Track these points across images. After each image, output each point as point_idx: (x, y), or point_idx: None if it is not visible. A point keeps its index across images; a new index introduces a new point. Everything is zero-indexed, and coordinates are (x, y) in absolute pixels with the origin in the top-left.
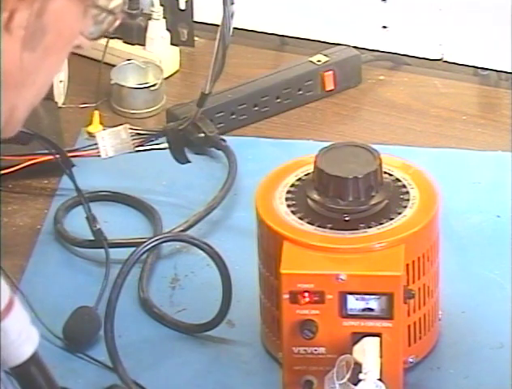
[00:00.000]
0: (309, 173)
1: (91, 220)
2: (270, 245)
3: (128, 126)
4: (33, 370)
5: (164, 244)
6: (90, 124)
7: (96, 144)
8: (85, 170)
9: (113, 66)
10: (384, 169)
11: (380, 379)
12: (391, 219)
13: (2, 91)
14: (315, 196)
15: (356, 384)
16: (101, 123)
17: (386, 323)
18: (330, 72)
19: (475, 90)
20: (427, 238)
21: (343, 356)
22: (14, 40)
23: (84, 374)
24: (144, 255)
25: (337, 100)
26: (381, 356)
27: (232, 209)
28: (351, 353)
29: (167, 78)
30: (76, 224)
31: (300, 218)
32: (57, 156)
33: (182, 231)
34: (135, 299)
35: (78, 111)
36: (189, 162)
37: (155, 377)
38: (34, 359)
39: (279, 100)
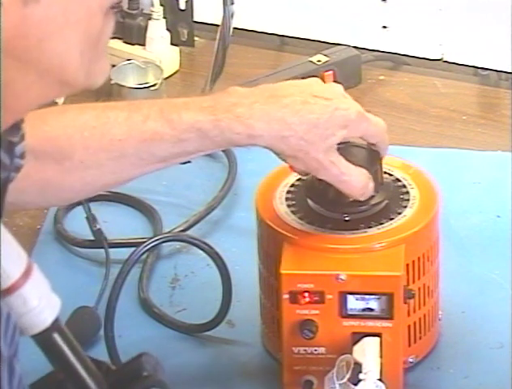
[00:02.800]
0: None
1: (91, 220)
2: (270, 245)
3: None
4: (56, 338)
5: (164, 244)
6: None
7: None
8: None
9: (113, 66)
10: (384, 169)
11: (380, 379)
12: (391, 219)
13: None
14: (315, 196)
15: (356, 384)
16: None
17: (386, 323)
18: (330, 72)
19: (475, 90)
20: (427, 238)
21: (343, 356)
22: (9, 5)
23: None
24: (144, 255)
25: None
26: (381, 356)
27: (232, 209)
28: (351, 353)
29: (167, 78)
30: (76, 224)
31: (300, 218)
32: None
33: (182, 231)
34: (135, 299)
35: None
36: (189, 162)
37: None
38: (56, 326)
39: None
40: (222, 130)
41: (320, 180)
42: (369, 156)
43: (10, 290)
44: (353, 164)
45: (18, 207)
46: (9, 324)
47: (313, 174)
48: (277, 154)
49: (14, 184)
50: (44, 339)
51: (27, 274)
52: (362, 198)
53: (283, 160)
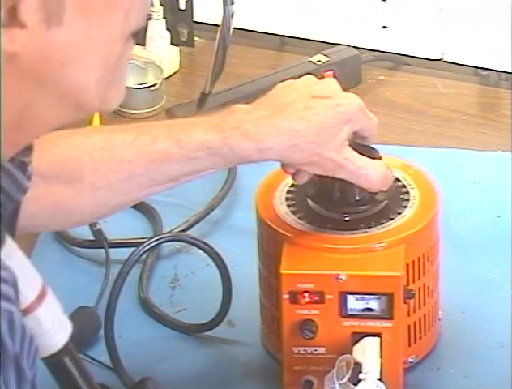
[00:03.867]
0: None
1: None
2: (270, 245)
3: None
4: (67, 361)
5: (164, 244)
6: (90, 124)
7: None
8: None
9: None
10: None
11: (380, 379)
12: (391, 219)
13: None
14: (315, 196)
15: (356, 384)
16: (101, 123)
17: (386, 323)
18: (330, 72)
19: (475, 90)
20: (427, 238)
21: (343, 356)
22: (33, 28)
23: None
24: (144, 255)
25: None
26: (381, 356)
27: (232, 209)
28: (351, 353)
29: (167, 78)
30: None
31: (300, 218)
32: None
33: (182, 231)
34: (135, 299)
35: None
36: None
37: (155, 377)
38: (67, 349)
39: None
40: (231, 147)
41: (320, 180)
42: (370, 152)
43: (25, 312)
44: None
45: (28, 230)
46: (31, 347)
47: (331, 175)
48: (290, 165)
49: (25, 208)
50: (55, 362)
51: (41, 297)
52: (384, 189)
53: (297, 170)
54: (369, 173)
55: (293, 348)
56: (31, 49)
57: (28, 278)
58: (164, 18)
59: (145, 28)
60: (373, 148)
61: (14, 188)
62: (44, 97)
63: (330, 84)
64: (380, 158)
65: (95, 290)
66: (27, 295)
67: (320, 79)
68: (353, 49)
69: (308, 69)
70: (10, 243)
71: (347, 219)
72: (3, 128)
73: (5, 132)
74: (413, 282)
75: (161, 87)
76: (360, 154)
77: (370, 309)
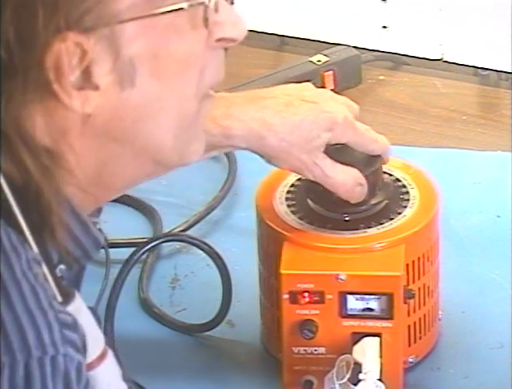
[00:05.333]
0: None
1: None
2: (270, 245)
3: None
4: None
5: (164, 244)
6: None
7: None
8: None
9: None
10: (384, 169)
11: (380, 379)
12: (391, 219)
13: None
14: (315, 196)
15: (356, 384)
16: None
17: (386, 323)
18: (330, 72)
19: (475, 90)
20: (427, 238)
21: (343, 356)
22: (106, 90)
23: None
24: (144, 255)
25: None
26: (381, 356)
27: (232, 209)
28: (351, 353)
29: None
30: None
31: (300, 218)
32: None
33: (182, 231)
34: (135, 299)
35: None
36: None
37: (155, 377)
38: None
39: None
40: None
41: None
42: (367, 158)
43: (86, 368)
44: (347, 163)
45: None
46: None
47: (298, 173)
48: (261, 156)
49: None
50: None
51: (102, 356)
52: (352, 201)
53: (268, 161)
54: (335, 182)
55: (293, 348)
56: (104, 110)
57: (92, 336)
58: None
59: None
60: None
61: (90, 243)
62: (120, 154)
63: (324, 93)
64: (380, 164)
65: (95, 290)
66: (90, 352)
67: (320, 78)
68: (353, 49)
69: (308, 69)
70: (78, 300)
71: (347, 219)
72: (85, 183)
73: (87, 187)
74: (413, 282)
75: None
76: (354, 155)
77: (370, 309)
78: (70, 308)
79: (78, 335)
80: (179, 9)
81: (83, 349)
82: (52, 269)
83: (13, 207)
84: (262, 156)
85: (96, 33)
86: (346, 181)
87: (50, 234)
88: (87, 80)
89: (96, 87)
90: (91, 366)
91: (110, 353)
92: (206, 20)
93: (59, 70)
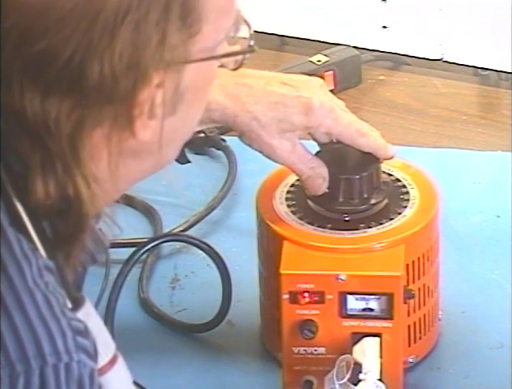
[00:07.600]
0: None
1: None
2: (270, 245)
3: None
4: None
5: (164, 244)
6: None
7: None
8: None
9: None
10: (384, 169)
11: (380, 379)
12: (391, 219)
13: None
14: (315, 196)
15: (356, 384)
16: None
17: (386, 323)
18: (330, 72)
19: (475, 90)
20: (427, 238)
21: (343, 356)
22: (160, 119)
23: None
24: (144, 255)
25: None
26: (381, 356)
27: (232, 209)
28: (351, 353)
29: None
30: None
31: (300, 218)
32: None
33: (182, 231)
34: (135, 299)
35: None
36: (189, 162)
37: (155, 377)
38: None
39: None
40: None
41: None
42: (363, 160)
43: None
44: (353, 163)
45: None
46: None
47: (266, 156)
48: (238, 135)
49: None
50: None
51: (112, 361)
52: (310, 193)
53: (242, 141)
54: (296, 169)
55: (293, 348)
56: (147, 137)
57: (103, 341)
58: None
59: None
60: (373, 156)
61: (96, 247)
62: (134, 165)
63: (311, 81)
64: (376, 166)
65: (95, 290)
66: (101, 357)
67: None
68: (353, 49)
69: (308, 69)
70: (88, 305)
71: (347, 219)
72: (99, 180)
73: (99, 185)
74: (413, 282)
75: None
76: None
77: (370, 310)
78: (81, 313)
79: (90, 341)
80: (234, 53)
81: (94, 355)
82: (63, 276)
83: (23, 219)
84: (239, 134)
85: (170, 69)
86: (306, 170)
87: (71, 246)
88: (150, 109)
89: (154, 116)
90: (102, 371)
91: (121, 358)
92: (241, 65)
93: (145, 105)
